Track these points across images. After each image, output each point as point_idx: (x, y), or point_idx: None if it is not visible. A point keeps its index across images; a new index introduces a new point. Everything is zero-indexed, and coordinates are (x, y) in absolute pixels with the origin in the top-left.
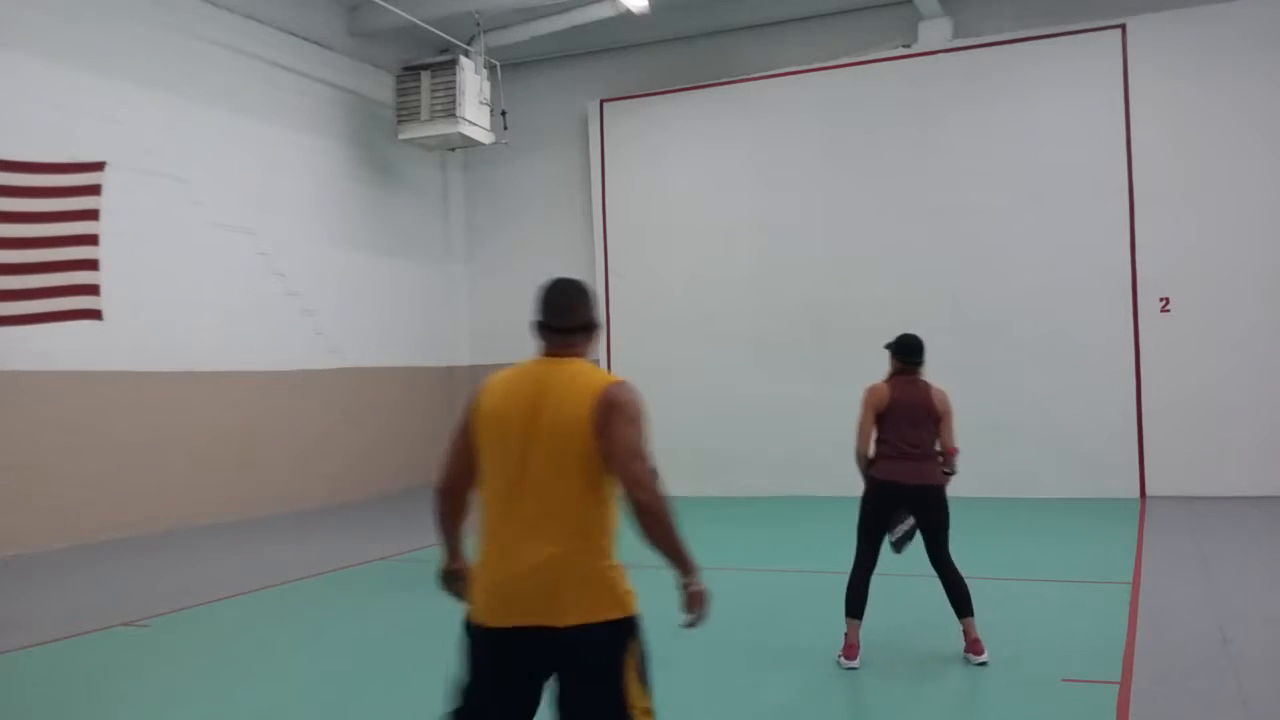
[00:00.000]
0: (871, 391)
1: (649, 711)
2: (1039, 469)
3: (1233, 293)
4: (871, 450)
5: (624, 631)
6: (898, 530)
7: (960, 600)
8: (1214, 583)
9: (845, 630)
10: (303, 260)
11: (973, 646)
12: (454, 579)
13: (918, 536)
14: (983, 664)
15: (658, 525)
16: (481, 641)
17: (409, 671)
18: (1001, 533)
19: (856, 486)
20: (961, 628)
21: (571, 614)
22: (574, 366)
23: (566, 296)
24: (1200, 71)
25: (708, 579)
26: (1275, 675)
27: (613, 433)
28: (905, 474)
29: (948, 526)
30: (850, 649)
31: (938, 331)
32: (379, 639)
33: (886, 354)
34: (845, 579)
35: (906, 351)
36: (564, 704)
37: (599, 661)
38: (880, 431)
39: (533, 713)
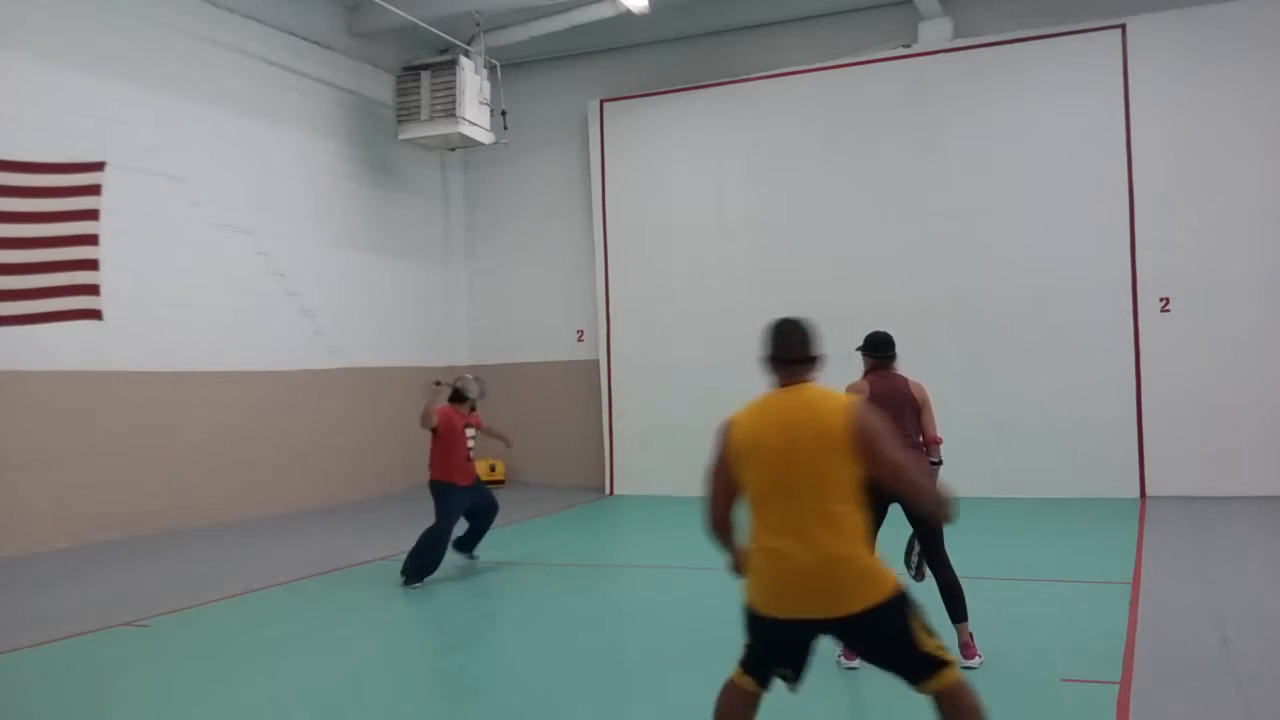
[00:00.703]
0: (851, 389)
1: (941, 647)
2: (1039, 469)
3: (1232, 293)
4: None
5: (900, 602)
6: (912, 561)
7: (955, 605)
8: (1214, 583)
9: None
10: (303, 260)
11: (965, 650)
12: (742, 565)
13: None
14: (973, 667)
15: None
16: (764, 626)
17: (409, 671)
18: (1001, 533)
19: None
20: (956, 633)
21: (853, 603)
22: (810, 391)
23: (796, 333)
24: (1200, 71)
25: (707, 579)
26: (1275, 675)
27: (879, 454)
28: None
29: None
30: (850, 649)
31: (938, 331)
32: (378, 639)
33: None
34: None
35: (878, 347)
36: (871, 656)
37: (890, 632)
38: None
39: (807, 661)
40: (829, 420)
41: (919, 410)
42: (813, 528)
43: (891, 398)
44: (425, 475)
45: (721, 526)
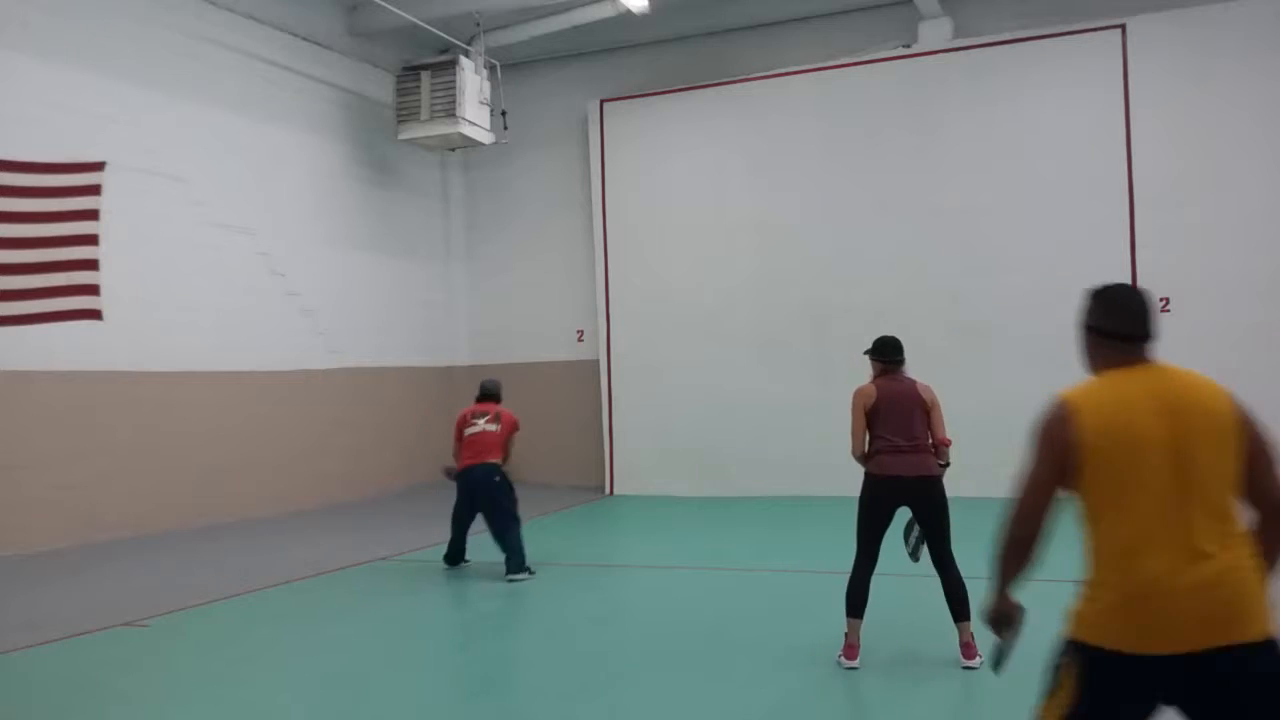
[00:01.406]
0: (859, 393)
1: None
2: None
3: (1233, 293)
4: (867, 449)
5: None
6: (911, 540)
7: (958, 603)
8: None
9: (845, 630)
10: (303, 260)
11: (965, 650)
12: (1009, 618)
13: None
14: (973, 668)
15: None
16: (1118, 669)
17: (409, 671)
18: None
19: (856, 488)
20: (958, 631)
21: (1258, 626)
22: (1176, 370)
23: (1146, 305)
24: (1200, 71)
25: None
26: None
27: (1265, 443)
28: (903, 467)
29: (948, 520)
30: (851, 649)
31: (938, 331)
32: (378, 639)
33: (868, 359)
34: (844, 579)
35: (888, 351)
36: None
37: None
38: (874, 429)
39: None
40: (1220, 402)
41: (928, 412)
42: (1207, 532)
43: (901, 400)
44: (424, 475)
45: (1035, 542)
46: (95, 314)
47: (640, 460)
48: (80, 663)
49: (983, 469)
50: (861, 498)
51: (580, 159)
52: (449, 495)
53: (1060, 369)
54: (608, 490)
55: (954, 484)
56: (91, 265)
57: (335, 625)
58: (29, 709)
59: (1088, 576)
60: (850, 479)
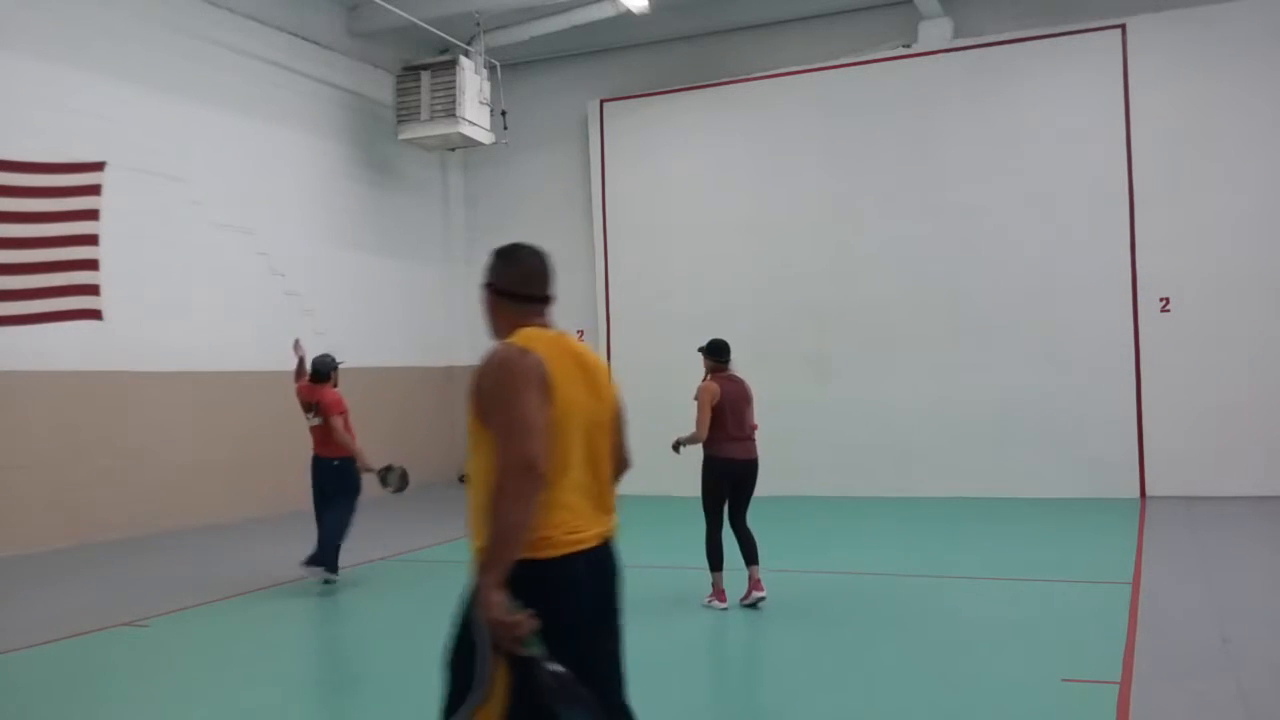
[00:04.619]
0: (706, 389)
1: None
2: (1039, 469)
3: (1233, 293)
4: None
5: None
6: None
7: (750, 552)
8: (1214, 583)
9: (712, 581)
10: (303, 260)
11: (756, 585)
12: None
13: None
14: (760, 599)
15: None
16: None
17: (409, 671)
18: (1002, 533)
19: (856, 487)
20: (748, 573)
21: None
22: (573, 339)
23: (550, 267)
24: (1200, 71)
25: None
26: (1275, 675)
27: (623, 414)
28: (740, 453)
29: (753, 493)
30: (720, 594)
31: (938, 331)
32: (378, 638)
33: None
34: (845, 578)
35: (720, 352)
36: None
37: None
38: (715, 421)
39: None
40: (607, 373)
41: (751, 404)
42: (608, 491)
43: (737, 399)
44: (423, 475)
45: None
46: (95, 314)
47: (640, 460)
48: (80, 663)
49: (982, 468)
50: (707, 477)
51: (580, 159)
52: (449, 495)
53: (1060, 369)
54: None
55: (954, 484)
56: (91, 265)
57: (335, 625)
58: (29, 709)
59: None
60: (851, 479)
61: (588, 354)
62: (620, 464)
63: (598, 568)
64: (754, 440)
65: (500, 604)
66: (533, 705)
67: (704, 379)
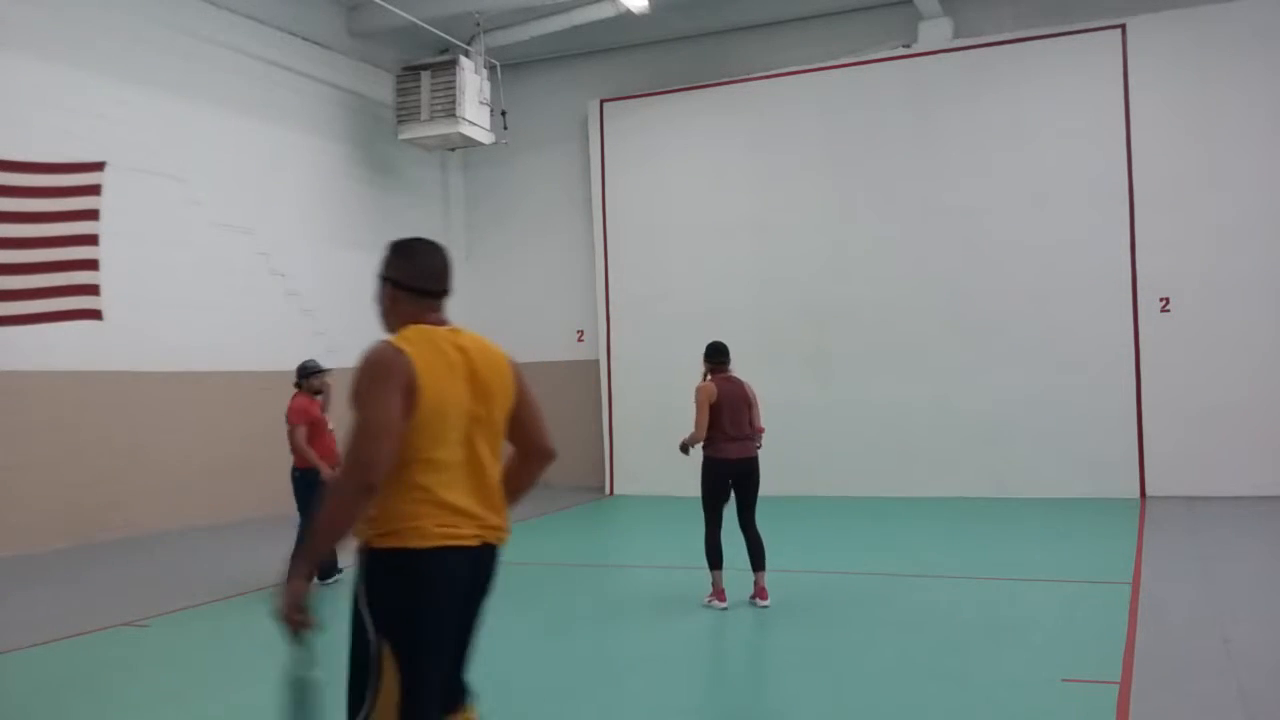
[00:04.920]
0: (704, 390)
1: None
2: (1039, 469)
3: (1233, 293)
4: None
5: None
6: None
7: (757, 557)
8: (1214, 583)
9: (712, 581)
10: (303, 260)
11: (760, 594)
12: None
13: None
14: (765, 607)
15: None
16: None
17: None
18: (1002, 533)
19: (856, 487)
20: (755, 579)
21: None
22: (470, 334)
23: (448, 261)
24: (1200, 71)
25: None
26: (1275, 675)
27: (531, 398)
28: (737, 451)
29: (758, 492)
30: (719, 593)
31: (938, 331)
32: None
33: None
34: (844, 578)
35: (719, 355)
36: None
37: None
38: (713, 421)
39: None
40: (505, 365)
41: (751, 406)
42: (494, 479)
43: (735, 399)
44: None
45: (373, 493)
46: (95, 314)
47: (640, 460)
48: (80, 663)
49: (982, 468)
50: (705, 477)
51: (580, 159)
52: None
53: (1060, 369)
54: (608, 490)
55: (954, 483)
56: (91, 265)
57: (334, 625)
58: (29, 709)
59: (401, 502)
60: (851, 479)
61: (483, 351)
62: (538, 455)
63: (468, 567)
64: (754, 440)
65: (300, 594)
66: (421, 689)
67: (702, 380)
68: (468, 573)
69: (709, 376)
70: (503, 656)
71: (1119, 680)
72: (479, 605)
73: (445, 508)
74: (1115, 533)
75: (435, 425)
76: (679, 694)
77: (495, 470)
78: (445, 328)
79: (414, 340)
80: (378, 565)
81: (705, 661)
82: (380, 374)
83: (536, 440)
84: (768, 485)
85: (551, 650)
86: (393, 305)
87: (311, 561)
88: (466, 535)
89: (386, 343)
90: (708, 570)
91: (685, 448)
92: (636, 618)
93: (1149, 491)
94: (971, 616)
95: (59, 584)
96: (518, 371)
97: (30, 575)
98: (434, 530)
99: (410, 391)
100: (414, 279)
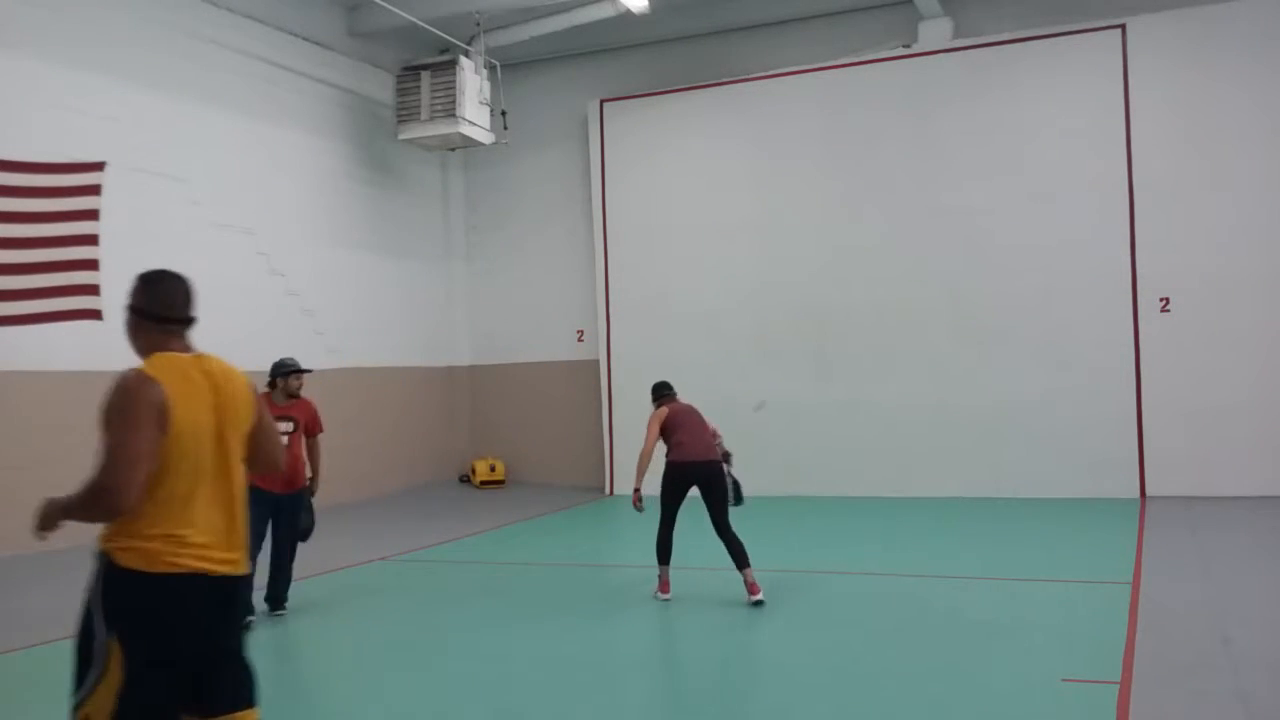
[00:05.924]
0: (655, 416)
1: None
2: (1039, 469)
3: (1233, 293)
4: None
5: None
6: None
7: (738, 556)
8: (1214, 583)
9: (659, 573)
10: (303, 260)
11: (751, 589)
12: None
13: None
14: (759, 602)
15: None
16: (179, 587)
17: (407, 671)
18: (1002, 533)
19: (856, 487)
20: (742, 577)
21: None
22: (215, 359)
23: (190, 291)
24: (1200, 71)
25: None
26: (1275, 675)
27: (268, 420)
28: (699, 454)
29: (727, 499)
30: (665, 585)
31: (938, 331)
32: (376, 639)
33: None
34: (844, 579)
35: (663, 390)
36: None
37: None
38: (671, 435)
39: None
40: (247, 394)
41: (702, 419)
42: (239, 528)
43: (686, 412)
44: (423, 475)
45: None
46: (95, 314)
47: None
48: None
49: (982, 468)
50: (664, 479)
51: (580, 159)
52: (450, 496)
53: (1060, 369)
54: (608, 490)
55: (954, 483)
56: (91, 265)
57: (335, 625)
58: (29, 709)
59: (147, 525)
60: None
61: (226, 375)
62: (265, 467)
63: (204, 594)
64: (711, 443)
65: (51, 517)
66: (145, 683)
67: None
68: (203, 599)
69: (661, 406)
70: (503, 656)
71: (1119, 680)
72: (227, 627)
73: (179, 538)
74: (1115, 532)
75: (181, 453)
76: (679, 693)
77: (240, 495)
78: (190, 354)
79: (161, 368)
80: (113, 577)
81: (705, 661)
82: (130, 403)
83: (268, 459)
84: (768, 485)
85: (552, 650)
86: (137, 333)
87: (61, 518)
88: (202, 564)
89: (138, 371)
90: (706, 570)
91: (637, 495)
92: (637, 617)
93: (1149, 491)
94: (972, 616)
95: (59, 584)
96: (256, 394)
97: (30, 575)
98: (167, 558)
99: (163, 420)
100: (155, 308)
